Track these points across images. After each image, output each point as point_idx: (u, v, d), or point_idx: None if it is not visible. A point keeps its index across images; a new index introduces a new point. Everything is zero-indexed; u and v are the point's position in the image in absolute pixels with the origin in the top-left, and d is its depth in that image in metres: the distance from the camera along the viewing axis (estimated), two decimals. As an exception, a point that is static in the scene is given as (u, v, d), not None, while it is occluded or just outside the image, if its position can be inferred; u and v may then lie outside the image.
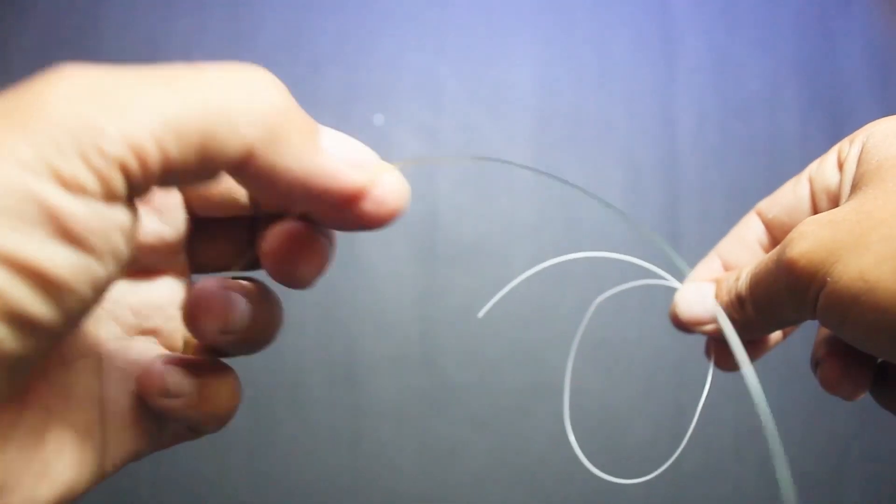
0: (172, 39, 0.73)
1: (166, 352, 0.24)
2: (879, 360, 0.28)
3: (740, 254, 0.32)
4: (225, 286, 0.22)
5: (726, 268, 0.32)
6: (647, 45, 0.74)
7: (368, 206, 0.20)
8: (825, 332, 0.29)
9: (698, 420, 0.64)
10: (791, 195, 0.30)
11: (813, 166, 0.29)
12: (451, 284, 0.68)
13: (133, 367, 0.23)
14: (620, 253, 0.31)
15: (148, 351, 0.24)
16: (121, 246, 0.17)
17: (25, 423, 0.20)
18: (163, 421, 0.24)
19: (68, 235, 0.15)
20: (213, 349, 0.25)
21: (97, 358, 0.23)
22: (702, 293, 0.30)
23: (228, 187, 0.24)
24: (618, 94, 0.74)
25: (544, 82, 0.73)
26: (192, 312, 0.22)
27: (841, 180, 0.27)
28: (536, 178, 0.71)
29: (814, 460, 0.67)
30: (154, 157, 0.16)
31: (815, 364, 0.29)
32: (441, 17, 0.74)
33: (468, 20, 0.74)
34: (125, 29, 0.73)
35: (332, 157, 0.19)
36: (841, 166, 0.27)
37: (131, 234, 0.17)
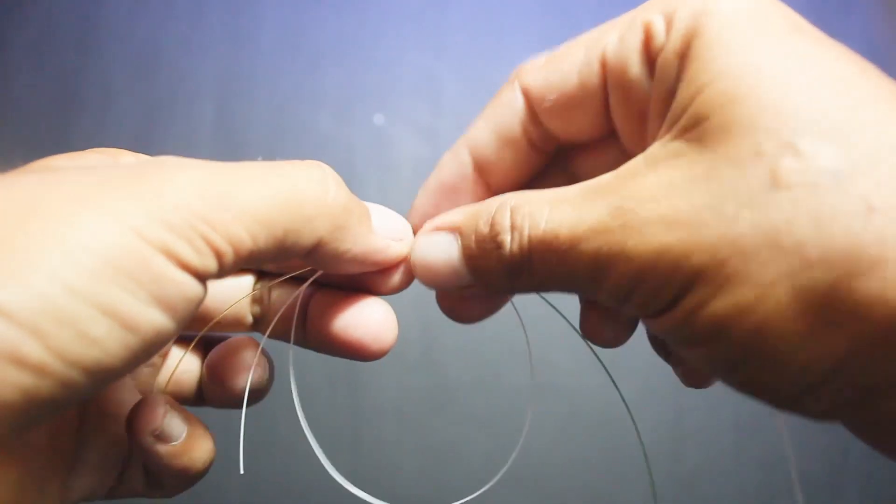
0: (172, 39, 0.73)
1: (161, 392, 0.23)
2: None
3: (499, 149, 0.24)
4: (254, 345, 0.23)
5: (479, 164, 0.24)
6: (647, 45, 0.74)
7: (401, 275, 0.24)
8: None
9: (698, 420, 0.63)
10: (574, 81, 0.21)
11: (609, 42, 0.21)
12: (451, 284, 0.68)
13: (112, 403, 0.23)
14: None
15: (128, 390, 0.24)
16: (190, 315, 0.18)
17: (42, 452, 0.20)
18: (127, 467, 0.23)
19: (163, 301, 0.17)
20: (204, 402, 0.25)
21: None
22: (442, 250, 0.22)
23: (231, 306, 0.26)
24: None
25: (544, 82, 0.73)
26: (226, 366, 0.22)
27: (653, 91, 0.19)
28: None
29: (814, 460, 0.67)
30: (245, 248, 0.18)
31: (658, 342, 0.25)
32: (441, 17, 0.74)
33: (468, 20, 0.74)
34: (125, 28, 0.73)
35: (382, 235, 0.23)
36: (652, 61, 0.19)
37: (198, 307, 0.19)
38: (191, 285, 0.17)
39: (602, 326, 0.24)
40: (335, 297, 0.25)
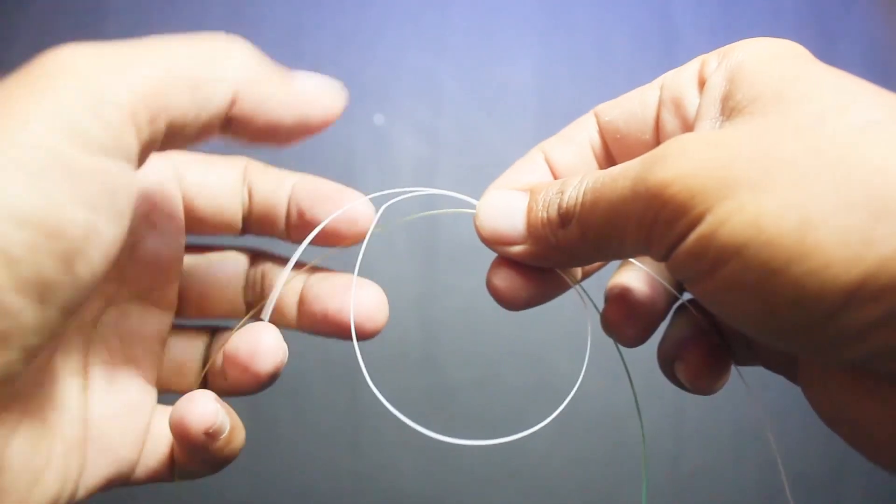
0: (172, 39, 0.73)
1: (204, 390, 0.23)
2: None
3: (568, 154, 0.25)
4: (274, 330, 0.23)
5: (553, 171, 0.26)
6: (647, 44, 0.74)
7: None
8: (675, 330, 0.26)
9: (698, 420, 0.64)
10: (636, 100, 0.24)
11: (668, 74, 0.24)
12: (451, 284, 0.68)
13: (119, 394, 0.23)
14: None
15: (132, 380, 0.24)
16: (125, 209, 0.17)
17: (23, 430, 0.20)
18: (144, 454, 0.24)
19: (85, 195, 0.16)
20: (227, 392, 0.25)
21: (84, 378, 0.23)
22: (509, 202, 0.23)
23: (220, 204, 0.26)
24: (618, 93, 0.73)
25: (544, 82, 0.73)
26: (247, 351, 0.22)
27: (701, 101, 0.21)
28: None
29: (814, 460, 0.67)
30: (156, 110, 0.17)
31: (668, 361, 0.26)
32: (441, 17, 0.74)
33: (468, 20, 0.74)
34: (125, 28, 0.73)
35: (305, 85, 0.22)
36: (702, 83, 0.22)
37: (132, 198, 0.18)
38: (111, 171, 0.17)
39: (625, 323, 0.25)
40: (328, 281, 0.26)
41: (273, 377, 0.23)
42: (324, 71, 0.24)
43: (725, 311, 0.18)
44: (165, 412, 0.24)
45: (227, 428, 0.22)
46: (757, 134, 0.17)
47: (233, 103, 0.20)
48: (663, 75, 0.24)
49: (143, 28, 0.73)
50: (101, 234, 0.17)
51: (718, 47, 0.22)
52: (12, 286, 0.15)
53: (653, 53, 0.74)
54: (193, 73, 0.19)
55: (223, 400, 0.23)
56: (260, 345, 0.22)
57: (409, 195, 0.26)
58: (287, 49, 0.72)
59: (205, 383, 0.26)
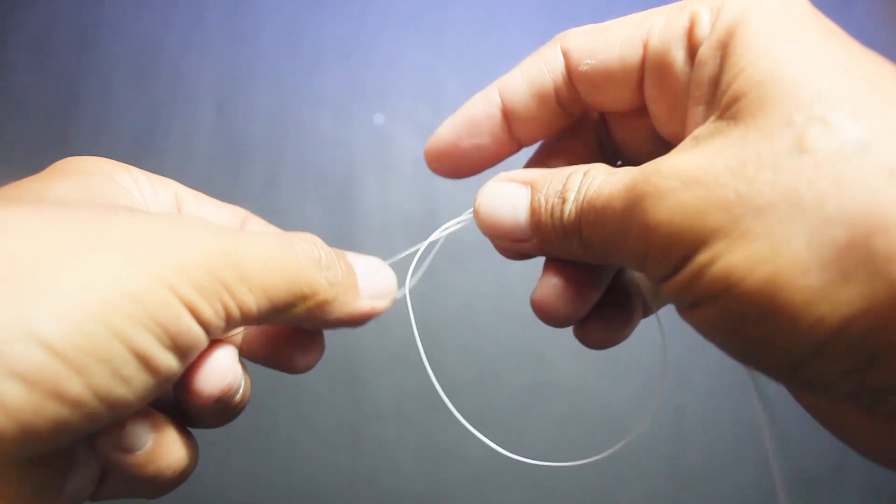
0: (172, 39, 0.73)
1: None
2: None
3: (529, 100, 0.24)
4: (234, 354, 0.22)
5: (507, 110, 0.24)
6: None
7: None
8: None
9: (698, 420, 0.64)
10: (615, 52, 0.22)
11: (655, 25, 0.21)
12: (451, 284, 0.68)
13: None
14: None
15: None
16: (190, 362, 0.20)
17: None
18: (104, 472, 0.22)
19: (181, 350, 0.18)
20: (183, 415, 0.23)
21: None
22: (510, 197, 0.24)
23: None
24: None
25: (544, 82, 0.73)
26: (196, 370, 0.21)
27: (693, 77, 0.20)
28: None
29: (814, 460, 0.67)
30: (249, 314, 0.20)
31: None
32: (441, 17, 0.74)
33: (468, 20, 0.74)
34: (125, 28, 0.73)
35: (366, 295, 0.25)
36: (692, 49, 0.20)
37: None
38: (202, 338, 0.19)
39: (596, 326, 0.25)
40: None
41: (222, 403, 0.21)
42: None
43: (710, 340, 0.19)
44: None
45: (145, 443, 0.20)
46: (734, 167, 0.17)
47: (303, 318, 0.22)
48: (648, 22, 0.22)
49: (142, 28, 0.73)
50: (173, 380, 0.19)
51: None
52: (110, 401, 0.17)
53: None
54: (286, 295, 0.21)
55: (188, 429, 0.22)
56: (207, 363, 0.21)
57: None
58: (287, 49, 0.72)
59: (174, 410, 0.23)
